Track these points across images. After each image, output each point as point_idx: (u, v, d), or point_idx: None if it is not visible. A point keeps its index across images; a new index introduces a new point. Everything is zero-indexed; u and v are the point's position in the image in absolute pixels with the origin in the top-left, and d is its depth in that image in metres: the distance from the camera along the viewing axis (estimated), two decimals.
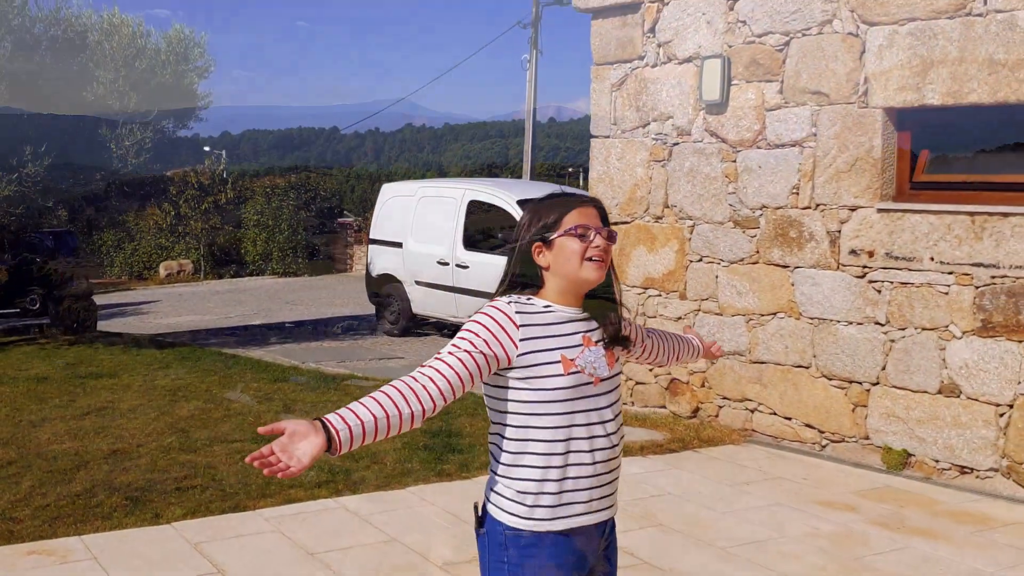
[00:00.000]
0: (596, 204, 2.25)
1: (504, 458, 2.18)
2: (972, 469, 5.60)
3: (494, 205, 11.19)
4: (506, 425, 2.18)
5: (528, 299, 2.19)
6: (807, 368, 6.36)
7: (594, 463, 2.17)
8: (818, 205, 6.30)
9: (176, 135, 11.64)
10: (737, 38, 6.73)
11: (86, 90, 10.57)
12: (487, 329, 2.11)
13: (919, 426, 5.81)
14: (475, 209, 11.35)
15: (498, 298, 2.20)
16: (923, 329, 5.79)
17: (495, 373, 2.15)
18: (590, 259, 2.16)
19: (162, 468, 5.77)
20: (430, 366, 2.09)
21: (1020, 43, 5.40)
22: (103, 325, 13.71)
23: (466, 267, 11.15)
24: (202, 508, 5.02)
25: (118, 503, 5.08)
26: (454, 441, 6.39)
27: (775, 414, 6.54)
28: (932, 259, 5.75)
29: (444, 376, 2.05)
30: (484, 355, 2.09)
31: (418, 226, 11.83)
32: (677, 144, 7.14)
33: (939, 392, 5.72)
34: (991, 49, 5.52)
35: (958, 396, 5.65)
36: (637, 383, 7.45)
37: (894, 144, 6.08)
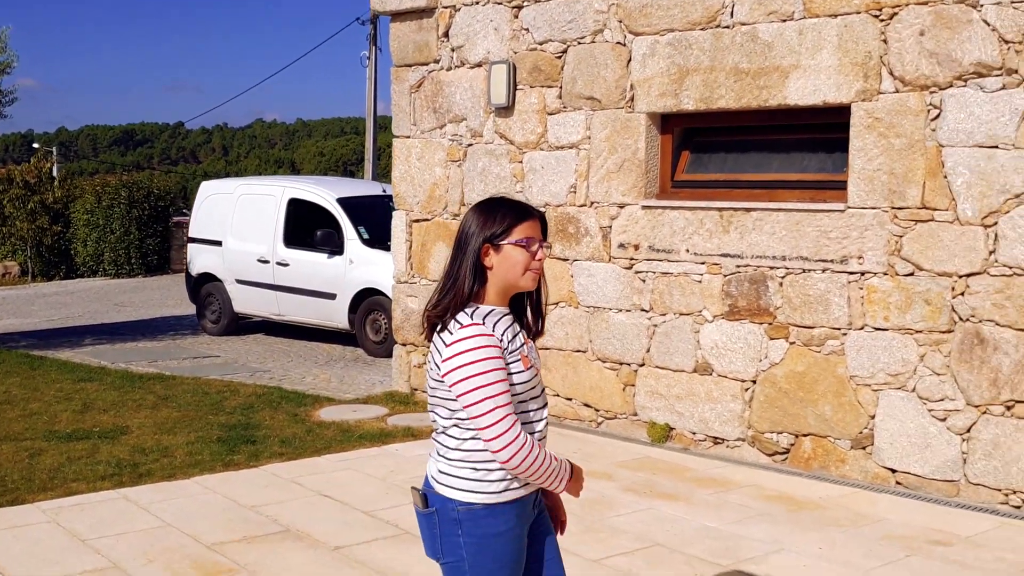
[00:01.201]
0: (541, 217, 2.49)
1: (466, 444, 2.42)
2: (723, 439, 6.22)
3: (314, 203, 11.31)
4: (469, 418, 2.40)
5: (475, 308, 2.41)
6: (584, 352, 6.87)
7: (540, 441, 2.45)
8: (592, 203, 6.81)
9: None
10: (521, 45, 7.16)
11: None
12: (498, 361, 2.35)
13: (678, 402, 6.40)
14: (295, 207, 11.43)
15: (470, 324, 2.36)
16: (680, 314, 6.37)
17: None
18: (529, 270, 2.44)
19: None
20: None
21: (760, 54, 6.03)
22: None
23: (287, 265, 11.22)
24: None
25: None
26: (250, 433, 6.55)
27: (558, 395, 7.01)
28: (687, 251, 6.34)
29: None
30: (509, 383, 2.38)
31: (237, 224, 11.79)
32: (471, 145, 7.53)
33: (695, 371, 6.32)
34: (737, 59, 6.14)
35: (710, 374, 6.26)
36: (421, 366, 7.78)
37: (657, 146, 6.65)
